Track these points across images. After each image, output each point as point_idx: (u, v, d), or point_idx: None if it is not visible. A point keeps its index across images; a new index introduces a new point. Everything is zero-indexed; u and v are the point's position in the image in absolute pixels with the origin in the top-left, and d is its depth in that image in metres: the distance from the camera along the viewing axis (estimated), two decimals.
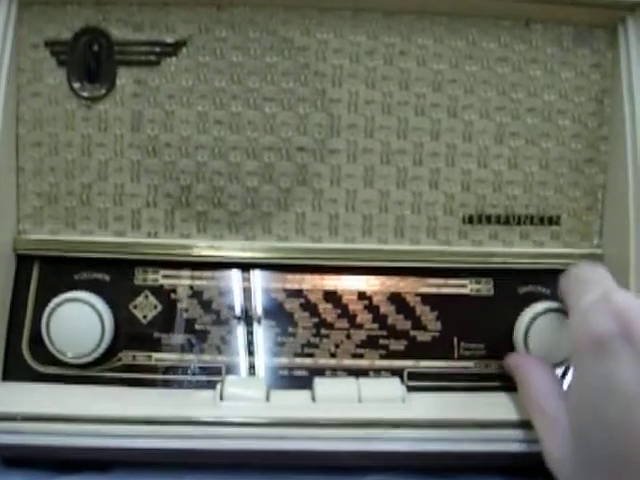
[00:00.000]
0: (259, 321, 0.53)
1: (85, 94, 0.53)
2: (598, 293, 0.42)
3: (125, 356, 0.52)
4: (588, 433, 0.41)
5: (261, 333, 0.53)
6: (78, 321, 0.51)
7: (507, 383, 0.52)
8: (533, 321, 0.52)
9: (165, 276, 0.54)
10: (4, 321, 0.53)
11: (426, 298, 0.54)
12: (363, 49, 0.53)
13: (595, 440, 0.40)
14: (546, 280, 0.54)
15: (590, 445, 0.40)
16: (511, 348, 0.53)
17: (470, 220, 0.54)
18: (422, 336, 0.54)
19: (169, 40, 0.53)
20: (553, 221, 0.55)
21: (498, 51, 0.53)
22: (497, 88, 0.54)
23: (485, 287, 0.54)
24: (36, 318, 0.52)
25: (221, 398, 0.50)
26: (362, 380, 0.51)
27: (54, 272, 0.54)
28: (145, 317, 0.53)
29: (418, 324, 0.54)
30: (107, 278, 0.53)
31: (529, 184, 0.54)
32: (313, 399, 0.50)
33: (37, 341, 0.52)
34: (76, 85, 0.53)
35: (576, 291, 0.45)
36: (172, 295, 0.53)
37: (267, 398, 0.50)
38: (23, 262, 0.54)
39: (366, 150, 0.53)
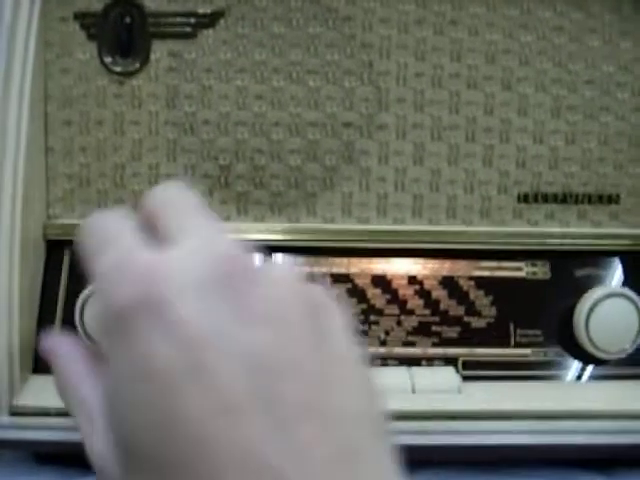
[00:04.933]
0: None
1: (117, 69, 0.50)
2: (116, 253, 0.31)
3: None
4: (131, 431, 0.30)
5: None
6: None
7: (567, 371, 0.50)
8: (594, 307, 0.49)
9: None
10: (34, 311, 0.50)
11: (480, 282, 0.52)
12: (412, 18, 0.50)
13: (139, 438, 0.30)
14: (604, 262, 0.52)
15: (134, 444, 0.31)
16: (570, 334, 0.50)
17: (525, 199, 0.52)
18: (476, 322, 0.51)
19: (206, 10, 0.50)
20: (612, 199, 0.52)
21: (554, 20, 0.51)
22: (553, 59, 0.51)
23: (541, 270, 0.52)
24: (68, 307, 0.50)
25: None
26: (415, 369, 0.49)
27: None
28: None
29: (472, 309, 0.51)
30: None
31: (587, 161, 0.52)
32: None
33: (69, 331, 0.49)
34: (108, 60, 0.50)
35: (92, 250, 0.33)
36: None
37: None
38: (53, 248, 0.51)
39: (416, 125, 0.51)
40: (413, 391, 0.48)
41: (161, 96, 0.50)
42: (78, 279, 0.50)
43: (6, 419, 0.47)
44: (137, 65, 0.50)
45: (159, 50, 0.50)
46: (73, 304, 0.49)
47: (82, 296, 0.48)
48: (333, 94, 0.50)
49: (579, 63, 0.51)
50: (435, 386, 0.48)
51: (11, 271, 0.47)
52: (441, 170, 0.51)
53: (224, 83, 0.50)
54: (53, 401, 0.46)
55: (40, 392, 0.48)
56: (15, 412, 0.47)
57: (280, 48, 0.50)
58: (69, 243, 0.50)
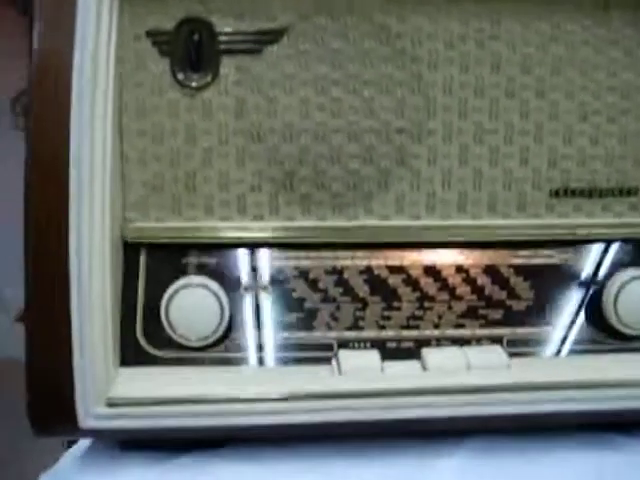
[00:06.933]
0: (366, 297, 0.56)
1: (190, 84, 0.54)
2: None
3: (239, 337, 0.54)
4: None
5: (368, 308, 0.56)
6: (198, 306, 0.52)
7: (597, 346, 0.56)
8: (621, 289, 0.56)
9: (272, 258, 0.55)
10: (119, 308, 0.54)
11: (518, 269, 0.57)
12: (456, 34, 0.55)
13: None
14: (627, 248, 0.58)
15: None
16: (600, 313, 0.56)
17: (556, 194, 0.57)
18: (517, 305, 0.57)
19: (270, 28, 0.54)
20: (631, 192, 0.58)
21: (580, 34, 0.56)
22: (580, 69, 0.56)
23: (572, 257, 0.58)
24: (147, 304, 0.54)
25: (339, 372, 0.52)
26: (467, 349, 0.55)
27: (162, 259, 0.55)
28: (256, 298, 0.55)
29: (513, 294, 0.57)
30: (215, 262, 0.55)
31: (610, 158, 0.58)
32: (424, 368, 0.53)
33: (151, 326, 0.54)
34: (180, 75, 0.54)
35: None
36: (280, 276, 0.55)
37: (381, 370, 0.53)
38: (130, 250, 0.55)
39: (460, 130, 0.56)
40: (468, 368, 0.53)
41: (230, 107, 0.54)
42: (154, 278, 0.54)
43: (103, 410, 0.51)
44: (208, 79, 0.54)
45: (227, 65, 0.54)
46: (151, 301, 0.53)
47: (166, 295, 0.52)
48: (386, 103, 0.55)
49: (602, 72, 0.57)
50: (487, 363, 0.54)
51: (104, 272, 0.51)
52: (482, 170, 0.57)
53: (288, 95, 0.55)
54: (142, 391, 0.51)
55: (127, 384, 0.53)
56: (111, 403, 0.51)
57: (338, 62, 0.55)
58: (145, 245, 0.55)
